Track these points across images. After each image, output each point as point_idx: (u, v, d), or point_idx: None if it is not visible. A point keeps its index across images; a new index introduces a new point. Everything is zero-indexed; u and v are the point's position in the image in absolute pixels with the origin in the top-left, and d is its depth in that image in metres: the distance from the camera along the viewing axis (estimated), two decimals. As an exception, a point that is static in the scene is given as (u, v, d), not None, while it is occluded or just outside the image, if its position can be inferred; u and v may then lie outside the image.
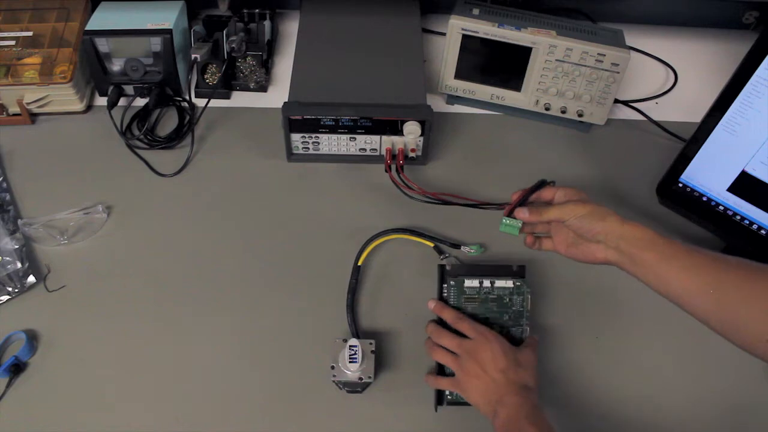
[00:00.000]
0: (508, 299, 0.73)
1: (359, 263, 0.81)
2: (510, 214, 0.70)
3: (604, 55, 0.90)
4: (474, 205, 0.81)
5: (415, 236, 0.84)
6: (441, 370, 0.71)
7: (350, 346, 0.69)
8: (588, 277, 0.81)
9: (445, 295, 0.73)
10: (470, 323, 0.69)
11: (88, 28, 0.94)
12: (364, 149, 0.92)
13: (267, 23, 1.03)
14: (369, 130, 0.90)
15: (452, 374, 0.68)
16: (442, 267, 0.74)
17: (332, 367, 0.69)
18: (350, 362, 0.68)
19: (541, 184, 0.72)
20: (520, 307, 0.73)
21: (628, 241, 0.63)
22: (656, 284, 0.62)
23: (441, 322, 0.72)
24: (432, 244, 0.83)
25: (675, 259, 0.60)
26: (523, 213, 0.68)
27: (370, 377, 0.69)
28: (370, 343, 0.71)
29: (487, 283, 0.72)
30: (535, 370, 0.66)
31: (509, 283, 0.72)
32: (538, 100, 0.97)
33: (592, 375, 0.74)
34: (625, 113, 1.04)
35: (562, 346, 0.76)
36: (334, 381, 0.69)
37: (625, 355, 0.76)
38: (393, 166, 0.89)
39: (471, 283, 0.73)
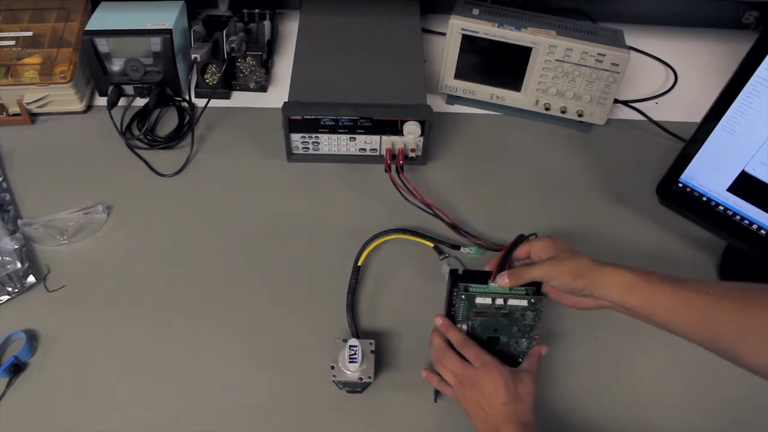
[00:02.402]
0: (520, 314, 0.69)
1: (359, 263, 0.81)
2: (494, 279, 0.68)
3: (604, 55, 0.90)
4: (455, 228, 0.83)
5: (415, 236, 0.84)
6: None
7: (350, 346, 0.69)
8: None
9: (454, 302, 0.68)
10: (476, 351, 0.66)
11: (88, 28, 0.94)
12: (364, 149, 0.92)
13: (267, 23, 1.03)
14: (369, 130, 0.90)
15: None
16: (454, 272, 0.68)
17: (332, 367, 0.69)
18: (350, 362, 0.68)
19: (518, 242, 0.69)
20: (532, 321, 0.69)
21: (611, 290, 0.62)
22: (652, 323, 0.61)
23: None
24: (432, 245, 0.83)
25: (661, 299, 0.59)
26: (503, 280, 0.67)
27: (370, 377, 0.69)
28: (370, 343, 0.71)
29: (500, 301, 0.68)
30: (533, 402, 0.64)
31: (523, 303, 0.68)
32: (538, 100, 0.97)
33: (592, 375, 0.74)
34: (625, 113, 1.04)
35: (562, 346, 0.76)
36: (334, 381, 0.69)
37: (624, 356, 0.76)
38: (393, 166, 0.89)
39: (483, 300, 0.68)
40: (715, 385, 0.74)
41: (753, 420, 0.71)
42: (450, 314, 0.69)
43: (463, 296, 0.67)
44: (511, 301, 0.68)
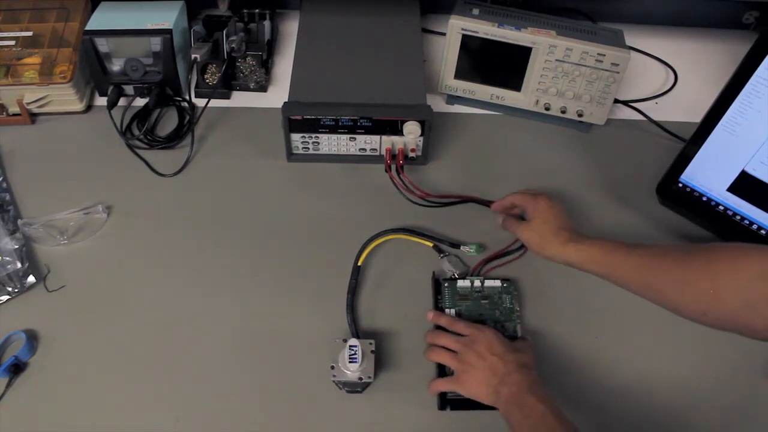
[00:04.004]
0: (498, 297, 0.78)
1: (359, 263, 0.81)
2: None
3: (604, 55, 0.90)
4: (469, 201, 0.88)
5: (414, 236, 0.84)
6: (441, 374, 0.71)
7: (350, 346, 0.69)
8: (586, 279, 0.81)
9: (440, 298, 0.78)
10: (465, 322, 0.72)
11: (88, 28, 0.94)
12: (364, 149, 0.92)
13: (267, 23, 1.03)
14: (369, 130, 0.90)
15: (452, 374, 0.69)
16: (436, 280, 0.79)
17: (332, 367, 0.69)
18: (350, 362, 0.68)
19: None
20: (510, 304, 0.77)
21: (572, 261, 0.72)
22: (608, 281, 0.70)
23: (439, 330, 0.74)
24: (431, 244, 0.83)
25: (617, 267, 0.68)
26: (499, 218, 0.83)
27: (370, 377, 0.69)
28: (370, 343, 0.71)
29: (477, 282, 0.78)
30: (532, 355, 0.69)
31: (497, 283, 0.79)
32: (538, 100, 0.97)
33: (591, 374, 0.74)
34: (625, 113, 1.04)
35: (562, 346, 0.76)
36: (334, 381, 0.69)
37: (624, 355, 0.76)
38: (393, 166, 0.89)
39: (463, 283, 0.78)
40: (716, 384, 0.74)
41: (752, 416, 0.71)
42: (438, 307, 0.77)
43: (446, 284, 0.79)
44: (487, 282, 0.79)
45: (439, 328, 0.74)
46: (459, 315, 0.76)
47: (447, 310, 0.76)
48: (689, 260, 0.63)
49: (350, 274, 0.80)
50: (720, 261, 0.60)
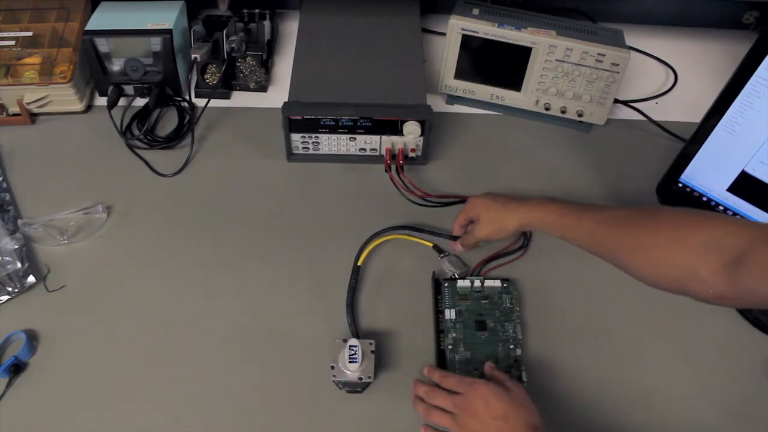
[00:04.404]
0: (497, 297, 0.78)
1: (359, 263, 0.81)
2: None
3: (604, 55, 0.90)
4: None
5: (414, 236, 0.84)
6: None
7: (350, 346, 0.68)
8: (586, 279, 0.81)
9: (440, 298, 0.78)
10: (456, 378, 0.67)
11: (88, 28, 0.95)
12: (364, 149, 0.92)
13: (267, 23, 1.03)
14: (369, 130, 0.90)
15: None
16: (436, 280, 0.79)
17: (332, 367, 0.69)
18: (350, 362, 0.68)
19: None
20: (510, 304, 0.77)
21: (534, 228, 0.75)
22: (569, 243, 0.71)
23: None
24: (431, 244, 0.83)
25: (570, 231, 0.70)
26: (457, 247, 0.83)
27: (370, 377, 0.69)
28: (370, 343, 0.71)
29: (477, 283, 0.79)
30: (534, 406, 0.64)
31: (497, 283, 0.79)
32: (538, 100, 0.97)
33: (591, 375, 0.74)
34: (625, 113, 1.04)
35: (562, 346, 0.76)
36: (334, 381, 0.69)
37: (623, 355, 0.76)
38: (393, 166, 0.89)
39: (463, 283, 0.79)
40: (716, 384, 0.74)
41: (752, 415, 0.71)
42: (438, 307, 0.77)
43: (446, 284, 0.79)
44: (487, 282, 0.79)
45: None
46: (459, 314, 0.76)
47: (447, 311, 0.76)
48: (635, 227, 0.64)
49: (350, 274, 0.80)
50: (664, 230, 0.61)
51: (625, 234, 0.65)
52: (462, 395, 0.65)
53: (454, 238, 0.83)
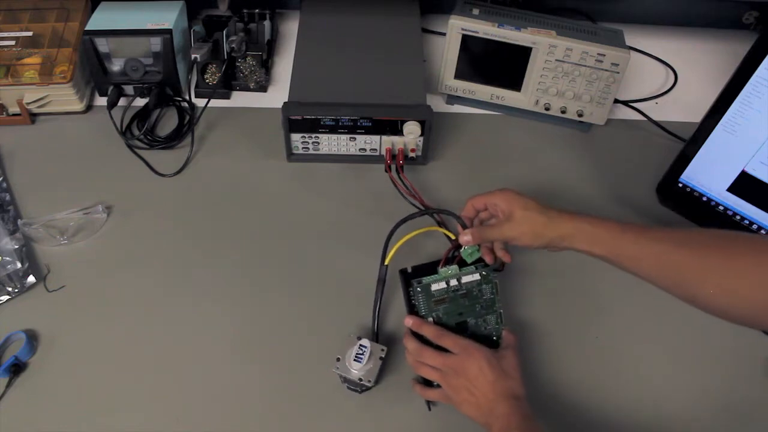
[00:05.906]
0: (477, 291, 0.72)
1: (386, 263, 0.73)
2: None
3: (604, 55, 0.90)
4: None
5: (440, 226, 0.79)
6: (428, 380, 0.68)
7: (360, 345, 0.68)
8: (587, 279, 0.81)
9: (414, 300, 0.70)
10: (453, 338, 0.67)
11: (88, 28, 0.94)
12: (364, 149, 0.92)
13: (267, 23, 1.03)
14: (369, 130, 0.90)
15: (439, 386, 0.67)
16: (403, 272, 0.71)
17: (338, 359, 0.68)
18: (355, 360, 0.67)
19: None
20: (491, 294, 0.72)
21: (575, 243, 0.65)
22: (619, 268, 0.64)
23: (419, 336, 0.69)
24: (453, 236, 0.74)
25: (625, 249, 0.62)
26: (465, 237, 0.69)
27: (370, 381, 0.68)
28: (382, 350, 0.70)
29: (454, 281, 0.71)
30: (521, 375, 0.65)
31: (475, 276, 0.71)
32: (538, 100, 0.97)
33: (591, 374, 0.74)
34: (625, 113, 1.04)
35: (562, 346, 0.76)
36: (336, 372, 0.69)
37: (624, 355, 0.76)
38: (393, 166, 0.89)
39: (438, 286, 0.71)
40: (716, 384, 0.74)
41: (751, 415, 0.71)
42: (414, 313, 0.70)
43: (419, 289, 0.70)
44: (465, 278, 0.71)
45: (418, 335, 0.69)
46: (438, 319, 0.70)
47: (425, 318, 0.70)
48: (708, 249, 0.58)
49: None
50: (743, 255, 0.56)
51: (697, 256, 0.58)
52: (457, 356, 0.65)
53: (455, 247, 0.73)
